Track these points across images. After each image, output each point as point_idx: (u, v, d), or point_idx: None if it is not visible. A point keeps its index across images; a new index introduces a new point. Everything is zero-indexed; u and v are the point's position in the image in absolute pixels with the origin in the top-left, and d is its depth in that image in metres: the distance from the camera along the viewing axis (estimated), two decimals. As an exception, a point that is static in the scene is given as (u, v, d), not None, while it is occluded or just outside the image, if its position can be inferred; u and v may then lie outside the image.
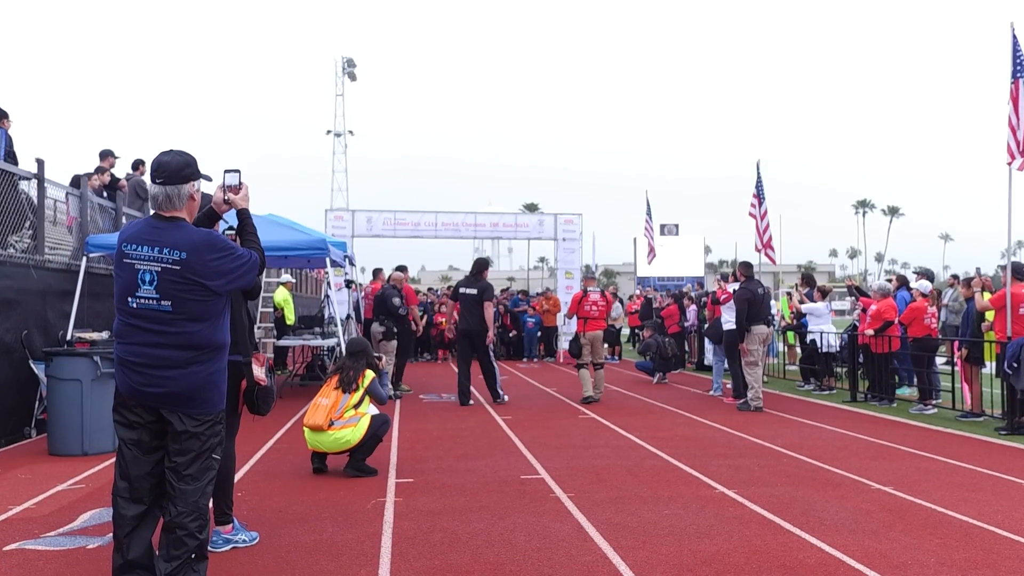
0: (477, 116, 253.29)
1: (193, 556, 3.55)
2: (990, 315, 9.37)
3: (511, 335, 20.83)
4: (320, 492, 5.93)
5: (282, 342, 13.49)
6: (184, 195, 3.61)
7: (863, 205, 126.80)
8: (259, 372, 4.28)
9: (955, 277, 13.25)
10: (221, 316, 3.66)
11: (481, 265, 12.01)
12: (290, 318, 14.86)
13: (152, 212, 3.63)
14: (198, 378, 3.56)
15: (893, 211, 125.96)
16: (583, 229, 20.72)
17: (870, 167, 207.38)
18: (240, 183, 3.87)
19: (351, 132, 67.70)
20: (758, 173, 14.80)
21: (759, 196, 14.69)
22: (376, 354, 7.50)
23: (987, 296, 9.50)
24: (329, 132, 67.29)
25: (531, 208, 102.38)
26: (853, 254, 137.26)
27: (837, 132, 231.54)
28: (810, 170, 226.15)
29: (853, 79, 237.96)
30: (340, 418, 6.46)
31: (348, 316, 14.28)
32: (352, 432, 6.45)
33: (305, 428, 6.49)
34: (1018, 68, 8.96)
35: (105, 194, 11.39)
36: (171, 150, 3.65)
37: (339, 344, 11.76)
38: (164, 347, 3.49)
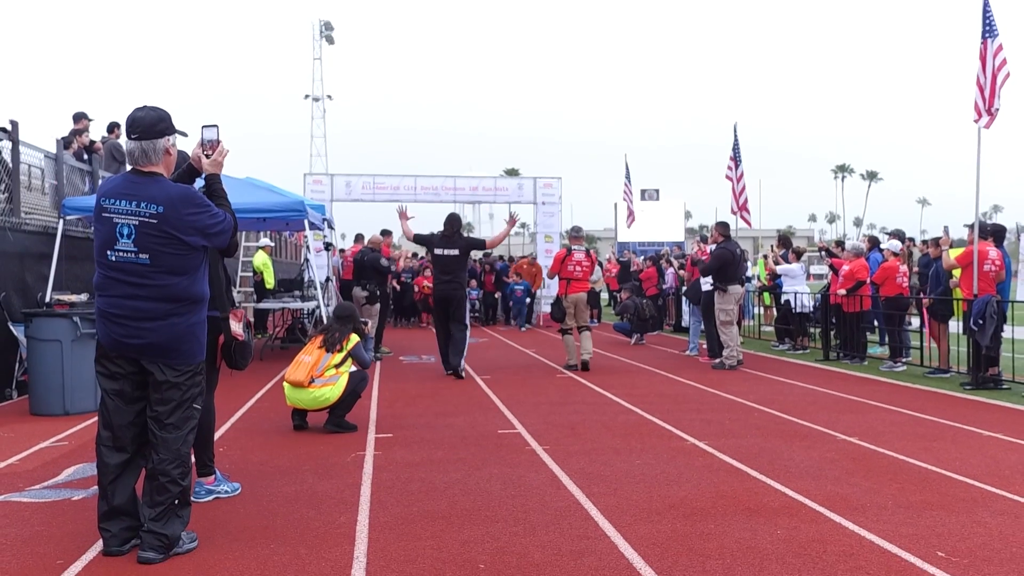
0: (458, 82, 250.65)
1: (176, 502, 3.66)
2: (957, 273, 9.57)
3: (496, 296, 20.24)
4: (301, 447, 6.05)
5: (262, 305, 13.55)
6: (160, 149, 3.67)
7: (842, 170, 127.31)
8: (236, 327, 4.36)
9: (925, 243, 13.45)
10: (199, 270, 3.73)
11: (457, 221, 10.62)
12: (270, 282, 14.90)
13: (129, 168, 3.68)
14: (177, 330, 3.64)
15: (871, 176, 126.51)
16: (562, 193, 20.80)
17: (849, 132, 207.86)
18: (218, 139, 3.91)
19: (329, 97, 67.16)
20: (735, 136, 14.90)
21: (736, 159, 14.80)
22: (363, 319, 7.61)
23: (955, 254, 9.70)
24: (307, 96, 66.65)
25: (512, 173, 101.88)
26: (832, 219, 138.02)
27: (817, 97, 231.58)
28: (790, 135, 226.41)
29: (832, 44, 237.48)
30: (320, 376, 6.56)
31: (328, 279, 14.33)
32: (331, 391, 6.55)
33: (285, 384, 6.59)
34: (987, 28, 9.07)
35: (86, 156, 11.31)
36: (145, 106, 3.70)
37: (319, 307, 11.84)
38: (143, 299, 3.57)
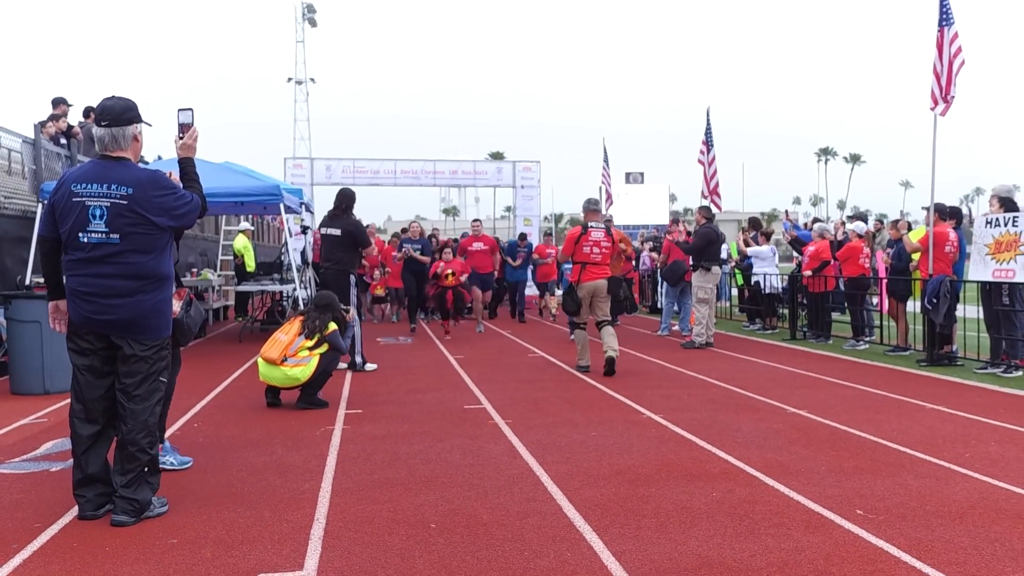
0: (442, 65, 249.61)
1: (146, 469, 3.91)
2: (917, 256, 9.89)
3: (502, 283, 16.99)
4: (273, 422, 6.30)
5: (241, 288, 13.73)
6: (128, 136, 3.89)
7: (825, 153, 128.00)
8: (175, 306, 4.45)
9: (894, 223, 13.78)
10: (165, 250, 3.96)
11: (346, 198, 9.28)
12: (250, 265, 15.08)
13: (99, 153, 3.89)
14: (144, 306, 3.87)
15: (855, 158, 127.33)
16: (541, 176, 21.02)
17: (832, 115, 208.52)
18: (192, 122, 4.12)
19: (312, 80, 66.84)
20: (708, 121, 15.14)
21: (708, 143, 15.06)
22: (344, 307, 7.82)
23: (917, 236, 10.01)
24: (290, 80, 66.36)
25: (496, 156, 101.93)
26: (816, 201, 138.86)
27: (801, 81, 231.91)
28: (775, 118, 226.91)
29: (817, 27, 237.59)
30: (293, 356, 6.79)
31: (306, 262, 14.52)
32: (302, 371, 6.78)
33: (259, 359, 6.83)
34: (943, 17, 9.34)
35: (64, 141, 11.44)
36: (114, 96, 3.91)
37: (296, 289, 12.05)
38: (113, 277, 3.79)
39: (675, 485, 4.46)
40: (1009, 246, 8.33)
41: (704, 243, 11.34)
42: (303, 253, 14.62)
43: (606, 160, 21.72)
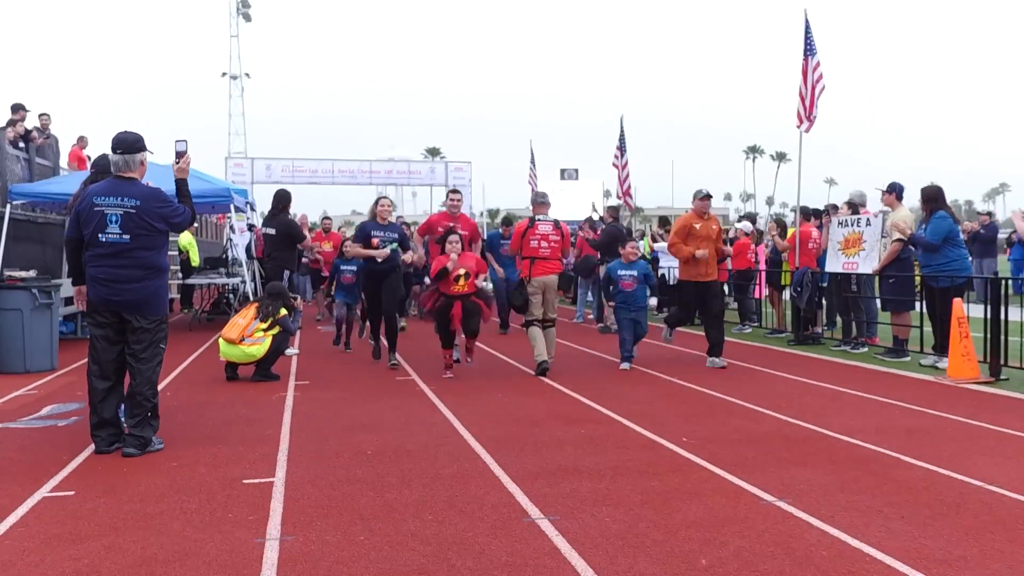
0: (377, 62, 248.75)
1: (149, 414, 5.13)
2: (786, 254, 11.54)
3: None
4: (234, 390, 7.52)
5: (189, 281, 14.75)
6: (136, 161, 5.11)
7: (753, 151, 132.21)
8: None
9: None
10: (163, 247, 5.20)
11: (281, 199, 10.30)
12: (195, 260, 16.07)
13: (114, 174, 5.10)
14: (148, 290, 5.10)
15: (780, 156, 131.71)
16: (472, 175, 22.40)
17: (759, 114, 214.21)
18: (186, 151, 5.36)
19: (247, 75, 66.83)
20: (621, 128, 16.67)
21: (621, 148, 16.60)
22: (293, 295, 9.05)
23: (790, 235, 11.64)
24: (224, 74, 66.28)
25: (433, 153, 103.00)
26: (747, 198, 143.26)
27: (730, 79, 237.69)
28: (705, 116, 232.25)
29: (746, 27, 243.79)
30: (250, 336, 8.00)
31: (251, 257, 15.57)
32: (257, 349, 8.00)
33: (220, 340, 8.02)
34: (808, 47, 10.96)
35: (22, 144, 12.34)
36: (127, 131, 5.14)
37: (243, 282, 13.16)
38: (124, 268, 5.01)
39: (555, 426, 5.87)
40: (855, 243, 9.97)
41: (609, 239, 12.80)
42: (248, 248, 15.67)
43: (533, 161, 23.17)
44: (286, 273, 10.33)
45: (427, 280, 9.72)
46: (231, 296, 15.79)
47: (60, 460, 4.98)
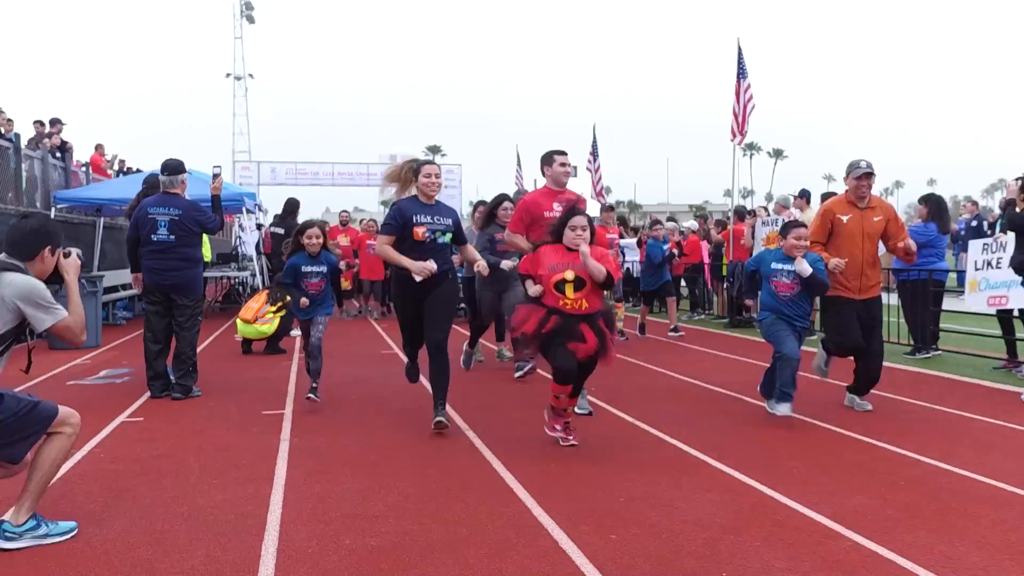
0: (378, 60, 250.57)
1: (191, 368, 6.89)
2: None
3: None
4: (250, 360, 9.28)
5: (206, 274, 16.52)
6: (178, 180, 6.86)
7: (750, 147, 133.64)
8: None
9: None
10: (199, 245, 6.94)
11: (291, 205, 12.49)
12: (207, 255, 17.82)
13: (163, 190, 6.85)
14: (188, 277, 6.86)
15: (777, 153, 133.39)
16: (462, 178, 24.07)
17: (757, 111, 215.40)
18: (219, 174, 7.13)
19: (251, 76, 68.58)
20: (594, 135, 18.38)
21: (594, 154, 18.31)
22: None
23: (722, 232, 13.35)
24: (229, 75, 68.06)
25: (434, 150, 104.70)
26: (746, 194, 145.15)
27: (725, 74, 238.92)
28: (704, 113, 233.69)
29: (739, 25, 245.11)
30: (262, 317, 9.75)
31: (260, 253, 17.35)
32: (268, 327, 9.75)
33: (238, 320, 9.79)
34: (740, 71, 12.67)
35: (58, 154, 14.11)
36: (172, 158, 6.90)
37: (252, 275, 14.91)
38: (171, 259, 6.76)
39: (497, 383, 7.61)
40: (774, 240, 11.68)
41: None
42: (257, 246, 17.43)
43: (519, 163, 24.89)
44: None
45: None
46: (241, 288, 17.58)
47: (126, 403, 6.73)
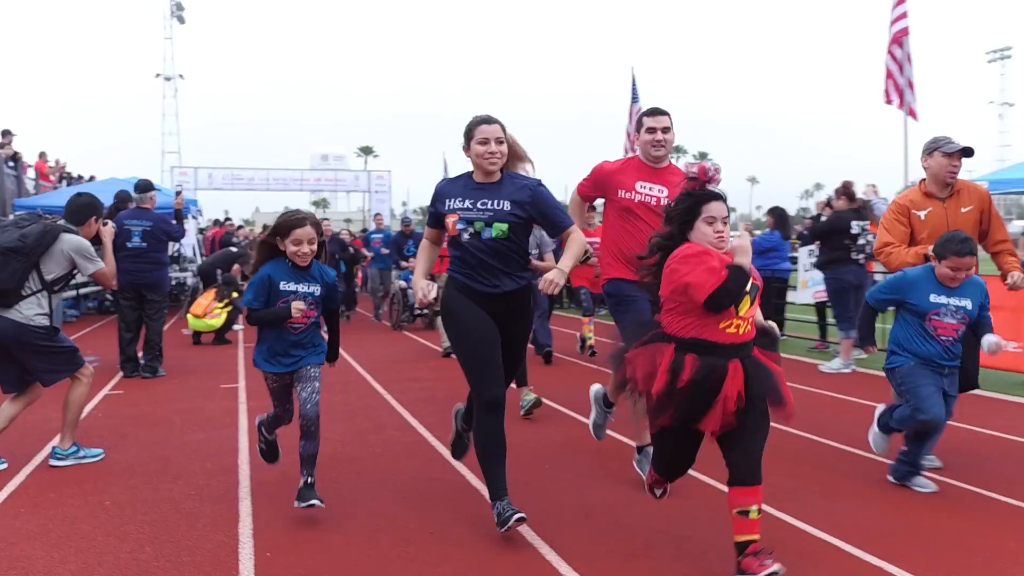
0: (313, 62, 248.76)
1: (158, 354, 8.35)
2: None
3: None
4: (201, 349, 10.72)
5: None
6: (147, 197, 8.32)
7: (677, 150, 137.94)
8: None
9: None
10: (166, 250, 8.41)
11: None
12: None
13: (136, 205, 8.30)
14: (157, 276, 8.32)
15: (702, 156, 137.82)
16: (392, 183, 25.59)
17: (682, 115, 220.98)
18: (180, 192, 8.59)
19: (181, 76, 68.51)
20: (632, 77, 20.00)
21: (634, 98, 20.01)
22: (240, 283, 12.21)
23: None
24: (158, 75, 67.88)
25: (366, 151, 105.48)
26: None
27: (652, 76, 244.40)
28: (617, 114, 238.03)
29: (664, 29, 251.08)
30: (211, 312, 11.18)
31: (197, 253, 18.61)
32: (216, 320, 11.18)
33: (188, 315, 11.20)
34: (634, 96, 14.54)
35: (11, 164, 15.17)
36: (144, 179, 8.33)
37: (191, 276, 16.19)
38: (143, 263, 8.21)
39: (413, 367, 9.24)
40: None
41: None
42: (194, 248, 18.68)
43: (446, 169, 26.47)
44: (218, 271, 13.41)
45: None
46: (180, 287, 18.77)
47: (103, 381, 8.14)
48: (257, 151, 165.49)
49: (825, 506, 4.22)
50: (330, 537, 3.82)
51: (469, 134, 3.91)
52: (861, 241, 8.35)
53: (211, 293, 11.46)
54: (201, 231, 18.34)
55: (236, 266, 14.35)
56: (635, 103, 14.52)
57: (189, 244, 19.64)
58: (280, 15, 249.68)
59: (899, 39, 8.49)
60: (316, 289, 4.17)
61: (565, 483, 4.67)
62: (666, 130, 4.50)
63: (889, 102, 8.64)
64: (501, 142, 3.87)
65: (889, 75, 8.50)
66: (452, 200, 3.94)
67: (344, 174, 26.75)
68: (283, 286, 4.14)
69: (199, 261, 18.06)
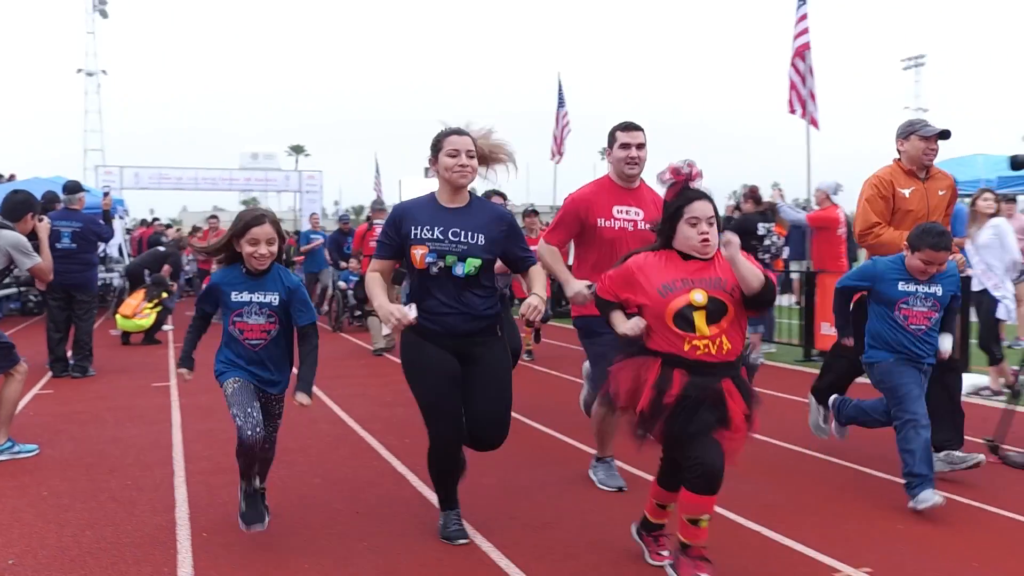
0: (241, 58, 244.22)
1: (88, 353, 8.42)
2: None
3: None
4: (131, 349, 10.75)
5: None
6: (76, 199, 8.39)
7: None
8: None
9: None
10: (95, 251, 8.48)
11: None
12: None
13: (66, 206, 8.35)
14: (86, 277, 8.39)
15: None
16: (323, 183, 25.58)
17: (608, 111, 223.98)
18: (109, 193, 8.64)
19: (104, 72, 66.78)
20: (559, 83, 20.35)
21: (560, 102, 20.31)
22: (170, 282, 12.24)
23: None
24: (80, 71, 66.02)
25: (297, 150, 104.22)
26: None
27: (591, 77, 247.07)
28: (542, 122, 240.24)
29: (587, 30, 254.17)
30: (140, 312, 11.21)
31: (124, 253, 18.38)
32: (146, 321, 11.21)
33: (117, 316, 11.21)
34: (560, 100, 15.00)
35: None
36: (73, 180, 8.38)
37: (118, 276, 16.04)
38: (72, 264, 8.26)
39: (346, 364, 9.49)
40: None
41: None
42: (121, 248, 18.45)
43: (377, 171, 26.61)
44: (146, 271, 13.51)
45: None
46: (107, 288, 18.54)
47: (32, 381, 8.15)
48: (185, 148, 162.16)
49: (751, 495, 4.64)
50: (263, 519, 4.09)
51: (437, 146, 3.63)
52: (767, 242, 8.90)
53: (140, 294, 11.47)
54: (128, 231, 18.14)
55: (166, 266, 14.32)
56: (561, 108, 14.99)
57: (115, 244, 19.43)
58: (208, 10, 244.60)
59: (802, 53, 9.12)
60: (274, 298, 3.62)
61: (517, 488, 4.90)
62: (640, 146, 4.33)
63: (793, 112, 9.26)
64: (472, 156, 3.61)
65: (793, 87, 9.13)
66: (419, 228, 3.56)
67: (275, 174, 26.62)
68: (234, 297, 3.61)
69: (126, 262, 17.91)
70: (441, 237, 3.53)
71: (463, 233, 3.55)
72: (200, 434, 5.89)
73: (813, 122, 9.37)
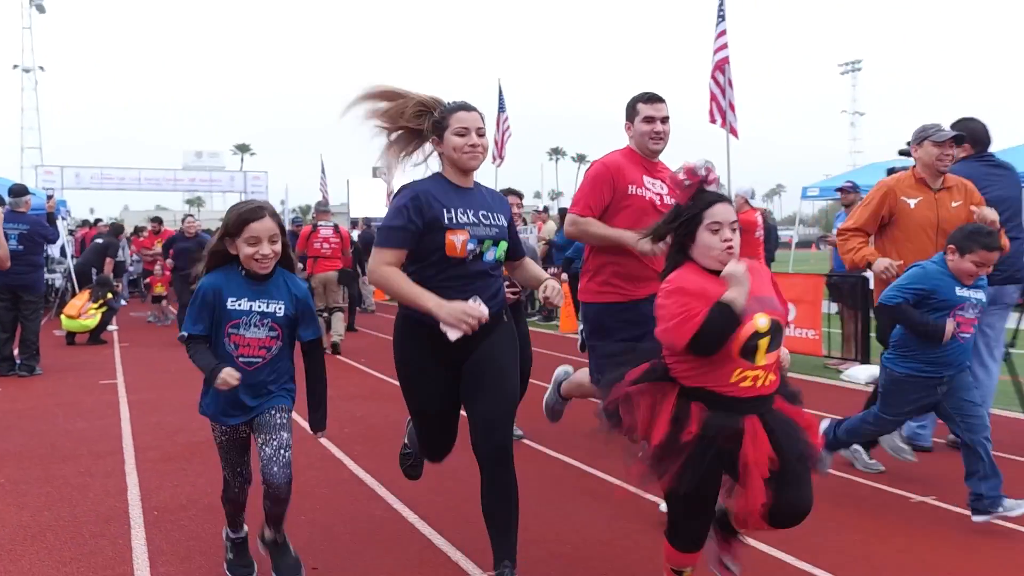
0: (181, 55, 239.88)
1: (35, 352, 8.62)
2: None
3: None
4: (77, 349, 10.91)
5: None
6: (22, 202, 8.60)
7: (555, 152, 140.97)
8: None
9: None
10: (42, 253, 8.69)
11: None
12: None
13: (12, 209, 8.54)
14: (33, 278, 8.60)
15: (580, 158, 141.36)
16: (269, 183, 25.64)
17: (561, 115, 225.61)
18: (52, 196, 8.86)
19: (41, 68, 65.29)
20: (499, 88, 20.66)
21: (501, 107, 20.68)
22: (115, 282, 12.40)
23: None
24: (16, 67, 64.44)
25: (243, 148, 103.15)
26: (555, 196, 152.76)
27: (537, 80, 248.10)
28: (518, 116, 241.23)
29: (548, 29, 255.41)
30: (85, 313, 11.36)
31: (67, 254, 18.32)
32: (91, 321, 11.38)
33: (63, 316, 11.35)
34: (500, 106, 15.46)
35: None
36: (18, 183, 8.58)
37: (60, 277, 16.06)
38: (19, 265, 8.46)
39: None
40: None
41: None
42: (63, 249, 18.39)
43: (323, 172, 26.75)
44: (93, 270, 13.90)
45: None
46: (50, 288, 18.46)
47: (-21, 380, 8.38)
48: (126, 146, 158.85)
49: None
50: (212, 500, 4.44)
51: (442, 123, 3.15)
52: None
53: (85, 294, 11.62)
54: (71, 232, 18.08)
55: (109, 261, 14.44)
56: (502, 112, 15.44)
57: (58, 245, 19.33)
58: (151, 7, 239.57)
59: (721, 66, 9.71)
60: (279, 308, 3.09)
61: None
62: (665, 120, 4.07)
63: (713, 122, 9.86)
64: (482, 134, 3.19)
65: (713, 98, 9.72)
66: (452, 211, 3.07)
67: (219, 174, 26.58)
68: (232, 304, 3.05)
69: (68, 263, 17.87)
70: (475, 220, 3.10)
71: (490, 215, 3.17)
72: (148, 427, 6.19)
73: (733, 131, 9.97)
